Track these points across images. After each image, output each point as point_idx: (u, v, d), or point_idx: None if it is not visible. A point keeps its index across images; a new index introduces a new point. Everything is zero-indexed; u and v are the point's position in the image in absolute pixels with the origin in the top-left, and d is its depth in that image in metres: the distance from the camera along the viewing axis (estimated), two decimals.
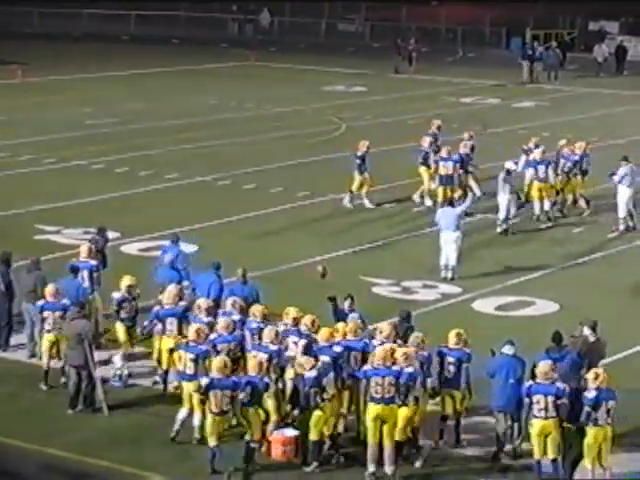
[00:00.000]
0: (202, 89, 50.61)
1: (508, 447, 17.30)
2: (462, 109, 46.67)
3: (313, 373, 16.74)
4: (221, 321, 18.26)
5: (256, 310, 18.70)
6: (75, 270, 20.63)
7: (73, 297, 19.79)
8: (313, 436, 16.72)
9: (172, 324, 18.83)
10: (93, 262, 21.10)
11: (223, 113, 44.62)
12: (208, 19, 75.96)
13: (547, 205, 29.60)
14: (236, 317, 18.58)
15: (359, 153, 30.86)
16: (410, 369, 16.73)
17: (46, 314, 19.26)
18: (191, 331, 17.88)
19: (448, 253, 25.12)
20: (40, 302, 19.50)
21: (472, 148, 30.97)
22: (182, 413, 17.56)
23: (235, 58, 61.35)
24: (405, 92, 51.17)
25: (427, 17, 76.29)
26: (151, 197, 31.78)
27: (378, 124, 42.62)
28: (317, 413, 16.70)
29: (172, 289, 19.30)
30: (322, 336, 17.67)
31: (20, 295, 20.69)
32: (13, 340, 20.91)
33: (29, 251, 22.82)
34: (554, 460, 16.35)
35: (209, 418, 16.69)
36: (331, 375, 16.96)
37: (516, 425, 17.34)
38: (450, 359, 17.53)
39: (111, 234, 24.68)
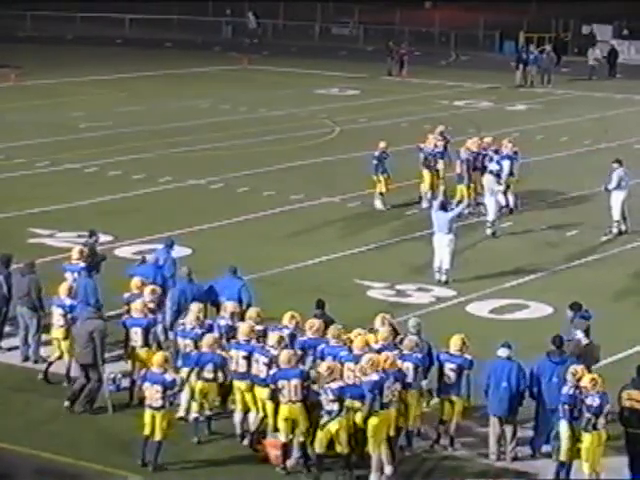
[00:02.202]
0: (195, 92, 50.58)
1: (501, 450, 17.32)
2: (455, 112, 46.69)
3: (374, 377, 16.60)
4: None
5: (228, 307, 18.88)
6: (90, 269, 20.81)
7: (90, 297, 19.97)
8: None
9: (137, 334, 18.87)
10: (82, 264, 21.09)
11: (216, 116, 44.61)
12: (201, 23, 76.02)
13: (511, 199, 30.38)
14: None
15: (376, 153, 30.83)
16: (374, 377, 16.52)
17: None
18: (244, 329, 17.82)
19: (442, 256, 25.12)
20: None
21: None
22: (238, 416, 17.71)
23: (228, 61, 61.39)
24: (398, 95, 51.23)
25: (421, 20, 76.50)
26: (144, 200, 31.76)
27: (371, 127, 42.63)
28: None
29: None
30: (357, 344, 17.42)
31: (15, 299, 20.67)
32: (5, 344, 20.90)
33: (23, 254, 22.76)
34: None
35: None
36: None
37: (509, 429, 17.35)
38: (451, 365, 17.42)
39: (105, 237, 24.67)
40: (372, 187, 31.15)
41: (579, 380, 16.37)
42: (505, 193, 30.25)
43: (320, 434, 16.45)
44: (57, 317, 19.67)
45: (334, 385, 16.42)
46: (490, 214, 28.82)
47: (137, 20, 75.33)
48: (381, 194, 30.89)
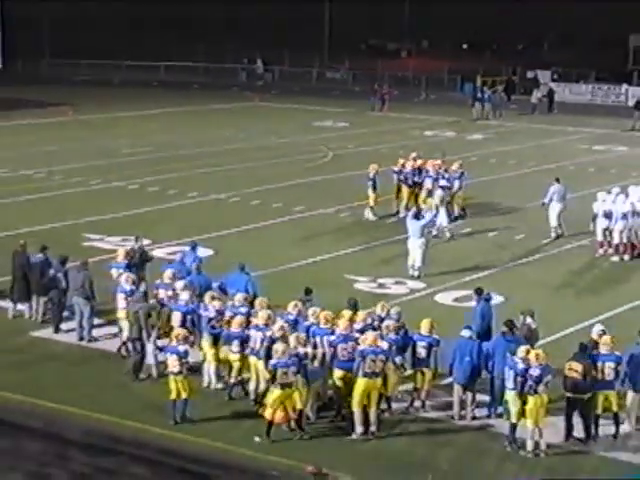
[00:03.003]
0: (217, 124, 50.57)
1: (463, 412, 17.26)
2: (425, 140, 46.62)
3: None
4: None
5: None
6: (130, 267, 20.62)
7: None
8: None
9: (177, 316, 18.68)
10: (124, 262, 20.92)
11: (234, 143, 44.55)
12: (222, 69, 76.02)
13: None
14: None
15: (370, 175, 30.71)
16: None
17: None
18: (262, 316, 17.55)
19: (414, 256, 25.05)
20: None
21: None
22: (252, 385, 17.59)
23: (244, 99, 61.33)
24: (380, 127, 51.15)
25: (398, 67, 76.64)
26: (176, 211, 31.67)
27: (358, 152, 42.56)
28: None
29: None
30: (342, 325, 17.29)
31: (72, 290, 20.61)
32: (64, 326, 20.83)
33: (78, 254, 22.71)
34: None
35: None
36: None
37: (470, 395, 17.29)
38: (422, 343, 17.37)
39: (145, 241, 24.57)
40: (362, 200, 31.07)
41: (526, 356, 16.35)
42: (451, 204, 30.43)
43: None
44: (120, 300, 19.48)
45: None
46: (444, 221, 28.73)
47: (170, 67, 75.39)
48: (371, 207, 30.79)
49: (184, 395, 16.78)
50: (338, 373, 17.02)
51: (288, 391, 16.25)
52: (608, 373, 16.54)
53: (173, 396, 16.82)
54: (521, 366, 16.25)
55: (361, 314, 17.86)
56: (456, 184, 30.55)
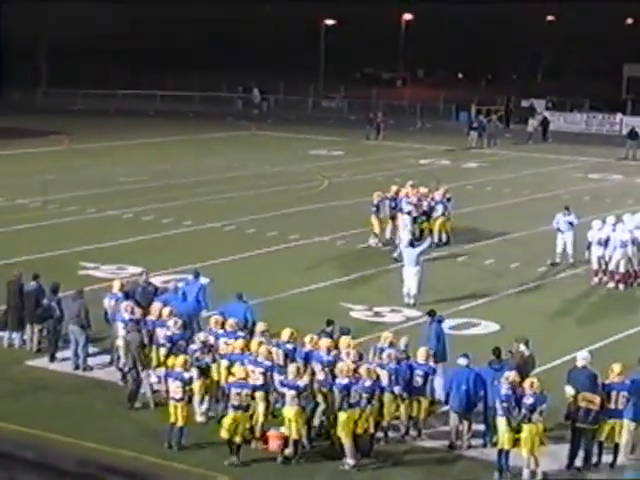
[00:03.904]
0: (213, 153, 50.61)
1: (459, 442, 17.20)
2: (420, 169, 46.72)
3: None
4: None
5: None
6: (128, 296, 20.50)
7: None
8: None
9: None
10: (120, 294, 20.71)
11: (229, 172, 44.57)
12: (218, 98, 76.19)
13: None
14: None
15: (374, 202, 30.77)
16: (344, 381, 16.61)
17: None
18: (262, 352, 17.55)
19: (410, 284, 25.02)
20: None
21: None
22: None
23: (239, 128, 61.44)
24: (375, 155, 51.24)
25: (393, 96, 76.85)
26: (171, 240, 31.65)
27: (353, 180, 42.63)
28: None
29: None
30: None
31: (67, 319, 20.57)
32: (59, 355, 20.76)
33: (74, 283, 22.68)
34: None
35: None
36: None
37: (466, 423, 17.24)
38: (419, 372, 17.36)
39: (139, 269, 24.52)
40: (356, 228, 31.08)
41: (512, 382, 16.29)
42: (440, 231, 30.71)
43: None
44: (119, 329, 19.44)
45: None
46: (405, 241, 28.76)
47: (165, 96, 75.50)
48: (375, 234, 30.79)
49: (181, 423, 16.77)
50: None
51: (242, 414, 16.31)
52: (622, 402, 16.50)
53: (172, 420, 16.82)
54: (504, 392, 16.22)
55: (345, 341, 17.80)
56: (439, 210, 30.68)
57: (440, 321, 19.41)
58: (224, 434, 16.40)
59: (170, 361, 18.14)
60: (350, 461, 16.41)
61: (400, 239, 29.03)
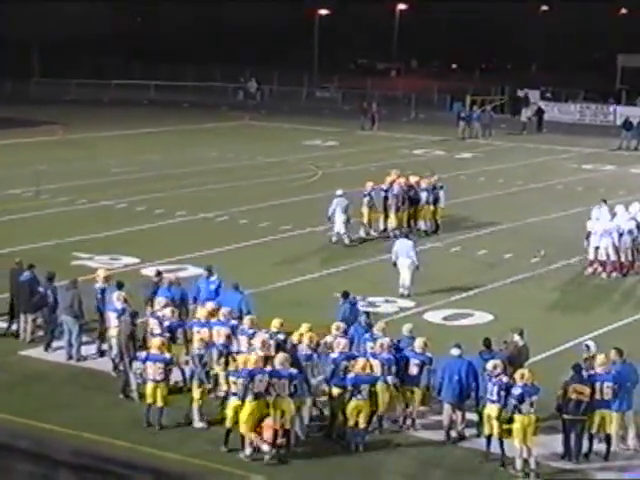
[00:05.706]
0: (206, 143, 50.57)
1: (452, 432, 17.25)
2: (414, 159, 46.75)
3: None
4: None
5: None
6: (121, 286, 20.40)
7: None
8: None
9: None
10: (104, 286, 20.70)
11: (222, 163, 44.57)
12: (211, 88, 76.12)
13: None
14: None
15: (366, 192, 30.76)
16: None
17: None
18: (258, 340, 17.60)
19: (404, 275, 25.08)
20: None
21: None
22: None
23: (233, 119, 61.40)
24: (369, 146, 51.27)
25: (387, 86, 76.85)
26: (164, 230, 31.67)
27: (347, 171, 42.64)
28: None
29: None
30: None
31: (61, 309, 20.60)
32: (53, 345, 20.79)
33: (67, 273, 22.70)
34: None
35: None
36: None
37: (459, 413, 17.28)
38: (416, 361, 17.42)
39: (132, 260, 24.54)
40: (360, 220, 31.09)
41: (495, 369, 16.36)
42: (425, 219, 31.06)
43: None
44: (112, 319, 19.47)
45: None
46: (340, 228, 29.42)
47: (160, 86, 75.45)
48: (364, 223, 30.75)
49: (160, 403, 17.02)
50: (335, 391, 17.01)
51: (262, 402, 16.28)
52: (606, 393, 16.54)
53: (149, 400, 17.16)
54: (494, 380, 16.26)
55: (336, 324, 18.04)
56: (423, 198, 30.70)
57: (353, 303, 19.88)
58: (228, 423, 16.46)
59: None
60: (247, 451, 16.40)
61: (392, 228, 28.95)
